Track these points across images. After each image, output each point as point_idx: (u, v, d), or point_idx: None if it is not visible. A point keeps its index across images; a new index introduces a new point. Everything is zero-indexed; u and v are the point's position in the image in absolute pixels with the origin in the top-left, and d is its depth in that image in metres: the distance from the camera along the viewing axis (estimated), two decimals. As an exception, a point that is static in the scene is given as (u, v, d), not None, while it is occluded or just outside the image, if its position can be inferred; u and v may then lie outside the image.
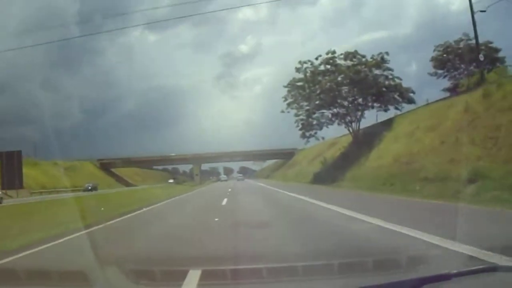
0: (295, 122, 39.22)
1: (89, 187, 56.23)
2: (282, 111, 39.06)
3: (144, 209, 17.38)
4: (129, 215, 14.58)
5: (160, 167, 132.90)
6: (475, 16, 25.30)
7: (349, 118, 37.59)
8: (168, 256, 6.52)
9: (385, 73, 35.82)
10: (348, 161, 34.14)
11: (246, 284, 4.66)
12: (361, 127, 38.36)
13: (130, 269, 5.07)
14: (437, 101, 31.70)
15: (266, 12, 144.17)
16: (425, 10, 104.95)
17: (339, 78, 35.81)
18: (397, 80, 35.77)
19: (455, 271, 2.98)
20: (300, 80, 37.37)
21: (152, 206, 19.04)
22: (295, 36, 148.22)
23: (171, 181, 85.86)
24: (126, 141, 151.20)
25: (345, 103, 37.34)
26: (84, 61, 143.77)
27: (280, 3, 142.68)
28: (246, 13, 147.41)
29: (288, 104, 38.60)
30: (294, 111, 38.84)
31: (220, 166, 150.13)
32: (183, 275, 4.67)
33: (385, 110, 35.95)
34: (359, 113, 37.35)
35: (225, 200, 20.11)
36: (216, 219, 11.54)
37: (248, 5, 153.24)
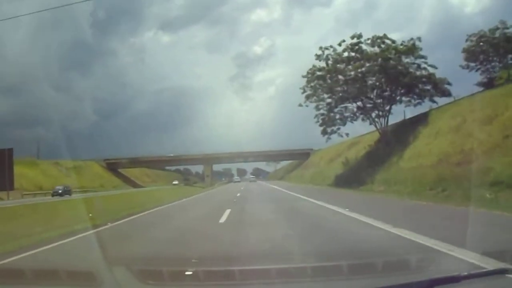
0: (314, 117, 34.78)
1: (59, 191, 43.80)
2: (300, 105, 34.63)
3: (106, 225, 11.88)
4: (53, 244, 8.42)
5: (173, 168, 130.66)
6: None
7: (376, 112, 32.89)
8: None
9: (417, 61, 31.13)
10: (376, 162, 29.58)
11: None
12: (389, 123, 33.54)
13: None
14: (480, 92, 27.29)
15: (280, 13, 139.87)
16: (439, 12, 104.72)
17: (366, 67, 31.18)
18: (431, 69, 31.08)
19: (464, 273, 2.96)
20: (320, 69, 32.83)
21: (123, 220, 13.49)
22: (309, 37, 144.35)
23: (175, 182, 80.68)
24: (139, 142, 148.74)
25: (372, 95, 32.76)
26: (96, 62, 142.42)
27: (294, 4, 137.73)
28: (260, 14, 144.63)
29: (307, 97, 34.11)
30: (314, 104, 34.37)
31: (233, 167, 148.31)
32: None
33: (419, 103, 31.19)
34: (388, 106, 32.64)
35: (227, 212, 14.12)
36: (194, 261, 6.04)
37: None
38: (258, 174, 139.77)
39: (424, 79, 30.72)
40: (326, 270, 4.79)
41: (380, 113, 32.58)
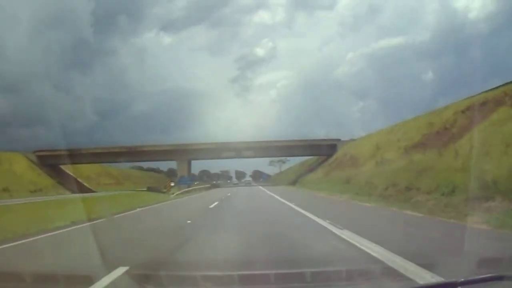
0: None
1: None
2: None
3: None
4: None
5: (150, 165, 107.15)
6: None
7: None
8: None
9: None
10: None
11: None
12: None
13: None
14: None
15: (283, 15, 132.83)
16: (442, 17, 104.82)
17: None
18: None
19: (461, 279, 2.92)
20: None
21: None
22: (312, 40, 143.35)
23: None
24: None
25: None
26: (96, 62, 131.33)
27: (297, 6, 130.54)
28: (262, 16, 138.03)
29: None
30: None
31: (231, 169, 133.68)
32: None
33: None
34: None
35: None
36: None
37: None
38: (259, 177, 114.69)
39: None
40: (324, 275, 4.77)
41: None
